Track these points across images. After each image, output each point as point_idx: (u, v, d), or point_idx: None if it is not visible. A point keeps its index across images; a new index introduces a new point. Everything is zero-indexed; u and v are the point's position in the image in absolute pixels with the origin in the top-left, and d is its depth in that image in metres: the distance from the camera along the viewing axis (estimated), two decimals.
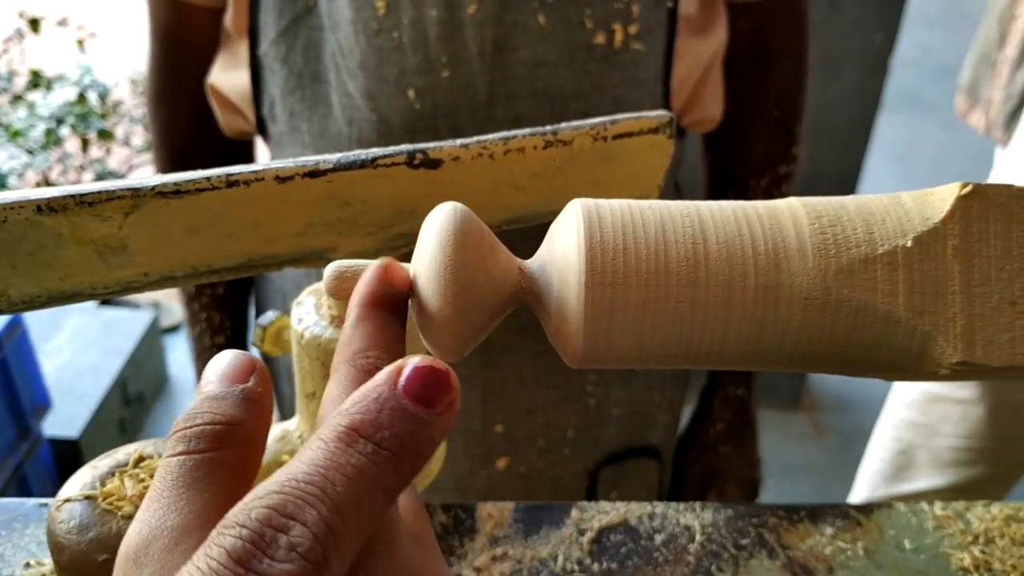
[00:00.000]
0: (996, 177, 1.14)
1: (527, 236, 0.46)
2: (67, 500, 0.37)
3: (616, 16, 0.62)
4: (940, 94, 3.58)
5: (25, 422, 1.61)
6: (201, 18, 0.72)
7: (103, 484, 0.37)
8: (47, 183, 2.10)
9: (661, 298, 0.29)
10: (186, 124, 0.77)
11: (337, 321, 0.43)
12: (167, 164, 0.78)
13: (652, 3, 0.63)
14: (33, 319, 1.88)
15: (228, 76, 0.71)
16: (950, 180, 0.30)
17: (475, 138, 0.41)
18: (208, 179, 0.38)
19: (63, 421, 1.73)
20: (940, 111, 3.44)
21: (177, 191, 0.37)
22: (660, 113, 0.43)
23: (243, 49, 0.69)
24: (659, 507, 0.47)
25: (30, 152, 2.08)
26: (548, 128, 0.42)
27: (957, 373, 0.30)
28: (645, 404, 0.80)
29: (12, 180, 2.02)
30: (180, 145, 0.78)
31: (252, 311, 0.85)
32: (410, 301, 0.31)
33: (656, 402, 0.81)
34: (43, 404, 1.68)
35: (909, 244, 0.30)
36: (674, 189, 0.78)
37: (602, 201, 0.31)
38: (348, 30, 0.62)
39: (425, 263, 0.30)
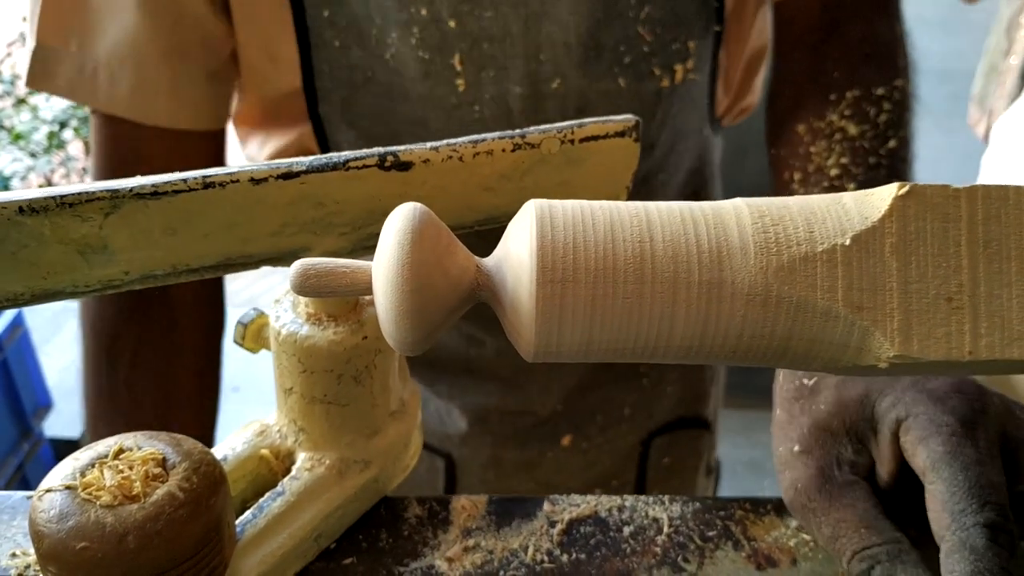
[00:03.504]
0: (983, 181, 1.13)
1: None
2: (48, 490, 0.38)
3: (676, 56, 0.63)
4: (939, 98, 3.57)
5: (26, 422, 1.63)
6: (191, 143, 0.65)
7: (83, 475, 0.39)
8: (50, 186, 2.12)
9: (609, 294, 0.30)
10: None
11: (313, 319, 0.45)
12: None
13: (702, 32, 0.64)
14: (34, 320, 1.90)
15: (278, 138, 0.68)
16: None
17: (445, 141, 0.42)
18: (185, 181, 0.39)
19: (64, 421, 1.75)
20: (938, 115, 3.43)
21: (155, 192, 0.39)
22: (626, 117, 0.44)
23: (296, 108, 0.65)
24: (629, 500, 0.48)
25: (33, 155, 2.10)
26: (516, 131, 0.43)
27: (895, 367, 0.31)
28: (698, 379, 0.82)
29: (15, 183, 2.04)
30: None
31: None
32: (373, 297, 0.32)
33: (708, 376, 0.83)
34: (44, 404, 1.70)
35: (848, 242, 0.31)
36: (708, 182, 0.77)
37: (555, 202, 0.32)
38: (420, 104, 0.61)
39: (384, 261, 0.31)
